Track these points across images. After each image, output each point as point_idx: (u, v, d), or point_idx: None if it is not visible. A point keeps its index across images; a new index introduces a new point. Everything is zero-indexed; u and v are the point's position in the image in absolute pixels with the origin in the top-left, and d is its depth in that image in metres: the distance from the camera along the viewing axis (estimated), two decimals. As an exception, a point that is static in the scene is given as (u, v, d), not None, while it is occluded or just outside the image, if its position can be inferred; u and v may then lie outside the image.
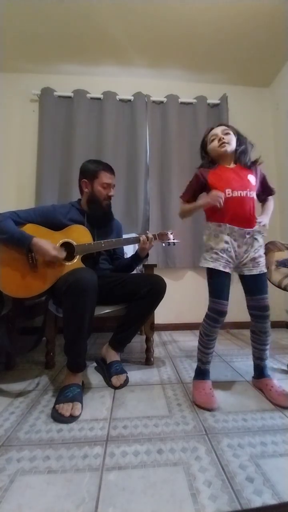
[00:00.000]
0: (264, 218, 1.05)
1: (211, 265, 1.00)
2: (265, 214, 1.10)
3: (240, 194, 0.99)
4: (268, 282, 1.40)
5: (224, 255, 0.99)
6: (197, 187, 1.11)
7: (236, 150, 1.07)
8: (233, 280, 1.04)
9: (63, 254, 1.09)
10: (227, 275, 1.00)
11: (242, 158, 1.07)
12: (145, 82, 2.28)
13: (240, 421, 0.84)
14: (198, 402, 0.94)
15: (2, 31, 1.86)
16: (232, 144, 1.06)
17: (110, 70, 2.24)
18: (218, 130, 1.07)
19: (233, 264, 1.02)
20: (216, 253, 1.00)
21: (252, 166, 1.08)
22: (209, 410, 0.90)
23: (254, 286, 1.02)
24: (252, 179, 1.04)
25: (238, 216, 0.99)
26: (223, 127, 1.08)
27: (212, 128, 1.11)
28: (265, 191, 1.13)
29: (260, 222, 1.01)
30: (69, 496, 0.57)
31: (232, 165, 1.07)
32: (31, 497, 0.57)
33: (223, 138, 1.04)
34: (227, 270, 1.00)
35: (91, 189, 1.26)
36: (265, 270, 1.02)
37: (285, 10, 1.74)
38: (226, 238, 1.00)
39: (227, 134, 1.06)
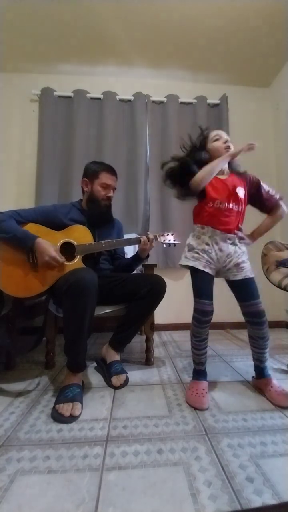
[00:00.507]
0: (250, 238, 1.08)
1: (191, 263, 1.03)
2: (257, 229, 1.11)
3: (226, 206, 1.03)
4: (268, 282, 1.41)
5: (205, 255, 1.02)
6: None
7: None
8: (221, 280, 1.07)
9: (62, 259, 1.09)
10: (209, 275, 1.02)
11: (234, 165, 1.10)
12: (145, 82, 2.28)
13: (240, 421, 0.84)
14: (189, 401, 0.95)
15: (2, 31, 1.86)
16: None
17: (110, 70, 2.24)
18: (222, 133, 1.09)
19: (214, 266, 1.03)
20: (197, 253, 1.03)
21: (242, 175, 1.10)
22: (199, 409, 0.90)
23: (243, 291, 1.03)
24: (241, 192, 1.05)
25: (221, 222, 1.03)
26: (225, 133, 1.10)
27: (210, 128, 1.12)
28: (267, 199, 1.09)
29: (241, 237, 1.05)
30: (69, 496, 0.57)
31: (225, 176, 1.08)
32: (31, 497, 0.57)
33: (228, 141, 1.06)
34: (207, 270, 1.02)
35: (91, 188, 1.27)
36: (251, 275, 1.03)
37: (285, 10, 1.74)
38: (207, 240, 1.03)
39: (229, 141, 1.08)
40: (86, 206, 1.30)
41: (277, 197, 1.10)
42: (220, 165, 1.01)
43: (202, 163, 1.06)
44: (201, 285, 1.02)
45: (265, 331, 1.01)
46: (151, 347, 1.35)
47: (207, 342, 1.03)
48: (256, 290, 1.02)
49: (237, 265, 1.03)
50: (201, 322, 0.99)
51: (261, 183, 1.11)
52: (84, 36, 1.92)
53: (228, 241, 1.03)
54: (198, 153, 1.09)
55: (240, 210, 1.06)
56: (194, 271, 1.03)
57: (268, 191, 1.10)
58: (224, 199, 1.03)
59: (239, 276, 1.02)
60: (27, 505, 0.54)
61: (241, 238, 1.06)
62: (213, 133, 1.10)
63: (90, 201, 1.28)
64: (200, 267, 1.01)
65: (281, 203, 1.10)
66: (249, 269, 1.04)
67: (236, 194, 1.04)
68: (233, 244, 1.04)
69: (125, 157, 2.18)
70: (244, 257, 1.05)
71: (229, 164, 1.09)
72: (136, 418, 0.86)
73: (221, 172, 1.08)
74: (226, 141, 1.06)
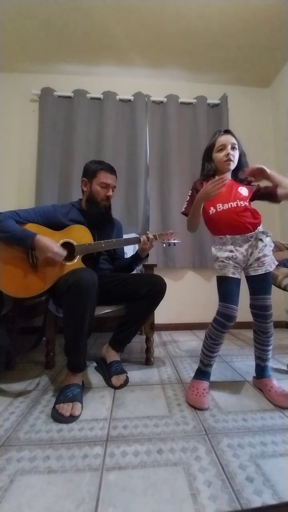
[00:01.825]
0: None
1: (220, 273, 1.03)
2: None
3: (230, 205, 1.02)
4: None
5: (231, 262, 1.01)
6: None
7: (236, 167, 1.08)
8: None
9: (64, 253, 1.08)
10: (235, 280, 1.01)
11: (238, 175, 1.08)
12: (145, 82, 2.28)
13: (240, 421, 0.84)
14: (189, 401, 0.95)
15: (2, 31, 1.86)
16: (235, 161, 1.07)
17: (110, 70, 2.24)
18: (228, 141, 1.05)
19: (241, 268, 1.04)
20: (222, 261, 1.02)
21: (244, 181, 1.09)
22: (199, 409, 0.90)
23: (257, 286, 1.02)
24: (243, 191, 1.05)
25: (233, 225, 1.01)
26: (232, 139, 1.06)
27: (221, 132, 1.09)
28: (268, 191, 1.07)
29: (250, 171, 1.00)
30: (69, 496, 0.57)
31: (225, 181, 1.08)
32: (31, 497, 0.57)
33: (230, 154, 1.04)
34: (236, 275, 1.01)
35: (90, 188, 1.27)
36: (270, 269, 1.02)
37: (285, 10, 1.74)
38: (230, 247, 1.02)
39: (234, 149, 1.06)
40: (85, 207, 1.30)
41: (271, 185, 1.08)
42: (198, 207, 1.05)
43: (209, 176, 1.09)
44: (227, 290, 1.01)
45: (269, 325, 1.02)
46: (151, 347, 1.35)
47: (220, 346, 1.03)
48: (270, 286, 1.03)
49: (258, 259, 1.01)
50: (224, 327, 0.98)
51: (259, 185, 1.10)
52: (84, 36, 1.92)
53: (251, 239, 1.01)
54: (206, 164, 1.11)
55: (248, 204, 1.04)
56: (222, 278, 1.02)
57: (266, 186, 1.09)
58: (225, 200, 1.03)
59: (260, 271, 1.01)
60: (27, 505, 0.54)
61: (262, 233, 1.02)
62: (219, 142, 1.07)
63: (89, 202, 1.28)
64: (230, 274, 1.00)
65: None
66: (269, 262, 1.02)
67: (238, 193, 1.04)
68: (256, 239, 1.02)
69: (125, 157, 2.18)
70: (265, 250, 1.02)
71: (234, 174, 1.08)
72: (136, 418, 0.86)
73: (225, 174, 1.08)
74: (227, 154, 1.04)
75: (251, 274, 1.02)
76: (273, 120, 2.40)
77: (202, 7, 1.73)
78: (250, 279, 1.04)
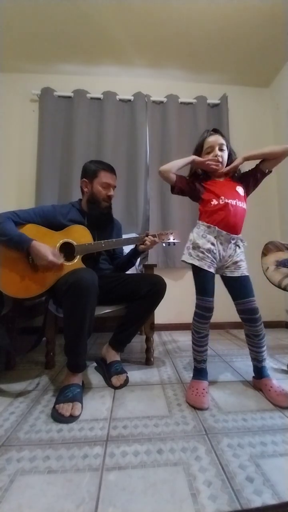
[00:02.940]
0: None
1: (197, 263, 1.04)
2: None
3: (232, 202, 1.04)
4: (268, 282, 1.41)
5: (209, 255, 1.04)
6: (190, 183, 1.14)
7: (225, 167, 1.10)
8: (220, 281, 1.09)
9: (61, 260, 1.08)
10: (212, 274, 1.04)
11: (231, 174, 1.11)
12: (145, 82, 2.28)
13: (240, 421, 0.84)
14: (189, 400, 0.95)
15: (2, 31, 1.86)
16: (224, 162, 1.09)
17: (110, 70, 2.24)
18: (215, 142, 1.07)
19: (216, 265, 1.06)
20: (203, 253, 1.04)
21: (238, 178, 1.12)
22: (200, 409, 0.91)
23: (238, 289, 1.05)
24: (240, 190, 1.08)
25: (228, 222, 1.03)
26: (220, 140, 1.08)
27: (209, 132, 1.11)
28: (257, 169, 1.09)
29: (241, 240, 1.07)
30: (69, 496, 0.57)
31: (222, 179, 1.11)
32: (31, 497, 0.57)
33: (218, 156, 1.06)
34: (211, 270, 1.04)
35: (91, 189, 1.27)
36: (246, 273, 1.05)
37: (285, 10, 1.74)
38: (213, 240, 1.04)
39: (222, 150, 1.08)
40: (86, 207, 1.30)
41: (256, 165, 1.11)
42: (183, 163, 1.11)
43: (196, 175, 1.14)
44: (205, 284, 1.04)
45: (259, 328, 1.02)
46: (151, 347, 1.35)
47: (208, 339, 1.05)
48: (251, 289, 1.04)
49: (235, 263, 1.05)
50: (205, 318, 1.02)
51: (247, 174, 1.13)
52: (84, 36, 1.92)
53: (232, 241, 1.04)
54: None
55: (244, 208, 1.07)
56: (198, 270, 1.04)
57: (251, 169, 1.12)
58: (229, 196, 1.04)
59: (236, 274, 1.04)
60: (27, 505, 0.54)
61: (241, 240, 1.08)
62: (207, 143, 1.09)
63: (90, 202, 1.28)
64: (205, 267, 1.03)
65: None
66: (245, 267, 1.06)
67: (237, 192, 1.06)
68: (235, 244, 1.06)
69: (125, 157, 2.18)
70: (242, 256, 1.07)
71: (227, 174, 1.11)
72: (136, 418, 0.86)
73: (219, 175, 1.11)
74: (215, 156, 1.06)
75: (227, 275, 1.05)
76: (273, 120, 2.40)
77: (202, 7, 1.73)
78: (228, 283, 1.07)
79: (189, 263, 1.06)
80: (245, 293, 1.03)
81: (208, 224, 1.05)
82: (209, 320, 1.03)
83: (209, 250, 1.03)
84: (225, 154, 1.09)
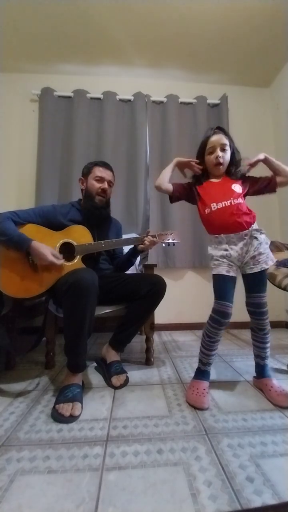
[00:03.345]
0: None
1: (215, 271, 1.04)
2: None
3: (224, 204, 1.02)
4: (268, 282, 1.41)
5: (225, 260, 1.02)
6: (187, 188, 1.14)
7: (228, 166, 1.09)
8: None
9: (60, 260, 1.08)
10: (230, 278, 1.02)
11: (233, 171, 1.09)
12: (145, 82, 2.28)
13: (240, 421, 0.84)
14: (189, 400, 0.95)
15: (2, 31, 1.86)
16: (225, 163, 1.07)
17: (110, 70, 2.24)
18: (217, 142, 1.06)
19: (236, 266, 1.04)
20: (217, 260, 1.03)
21: (240, 178, 1.09)
22: (200, 409, 0.90)
23: (252, 284, 1.03)
24: (236, 188, 1.06)
25: (227, 224, 1.02)
26: (222, 140, 1.06)
27: (213, 130, 1.09)
28: (265, 184, 1.07)
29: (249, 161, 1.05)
30: (69, 496, 0.57)
31: (219, 179, 1.10)
32: (31, 497, 0.57)
33: (219, 157, 1.05)
34: (230, 273, 1.02)
35: (86, 184, 1.29)
36: (266, 266, 1.01)
37: (285, 10, 1.74)
38: (225, 246, 1.03)
39: (224, 150, 1.06)
40: (83, 205, 1.31)
41: (269, 176, 1.09)
42: (170, 169, 1.14)
43: (199, 177, 1.13)
44: (222, 287, 1.02)
45: (265, 322, 1.02)
46: (151, 347, 1.35)
47: (218, 344, 1.03)
48: (265, 284, 1.03)
49: (253, 257, 1.01)
50: (220, 324, 0.99)
51: (254, 180, 1.10)
52: (84, 36, 1.92)
53: (245, 237, 1.02)
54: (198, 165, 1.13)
55: (241, 202, 1.04)
56: (217, 276, 1.03)
57: (260, 177, 1.10)
58: (219, 199, 1.03)
59: (255, 269, 1.01)
60: (27, 505, 0.54)
61: (256, 230, 1.03)
62: (210, 143, 1.07)
63: (85, 197, 1.30)
64: (224, 272, 1.01)
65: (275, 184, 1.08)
66: (264, 260, 1.01)
67: (232, 191, 1.04)
68: (251, 237, 1.02)
69: (125, 157, 2.18)
70: (261, 249, 1.02)
71: (228, 171, 1.09)
72: (136, 418, 0.86)
73: (218, 176, 1.10)
74: (217, 157, 1.05)
75: (247, 272, 1.03)
76: (273, 120, 2.40)
77: (202, 7, 1.73)
78: (246, 277, 1.05)
79: (215, 275, 1.04)
80: (258, 289, 1.02)
81: (215, 236, 1.06)
82: (223, 327, 0.99)
83: (222, 256, 1.02)
84: (227, 155, 1.07)
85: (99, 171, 1.28)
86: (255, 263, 1.01)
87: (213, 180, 1.11)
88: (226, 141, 1.06)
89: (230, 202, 1.02)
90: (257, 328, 1.04)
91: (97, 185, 1.27)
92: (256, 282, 1.02)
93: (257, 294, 1.02)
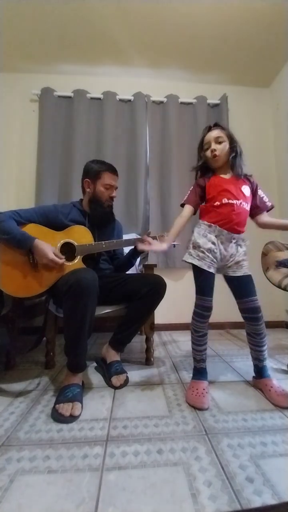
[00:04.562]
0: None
1: (197, 262, 1.04)
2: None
3: (235, 202, 1.03)
4: (269, 282, 1.41)
5: (210, 255, 1.03)
6: (200, 192, 1.12)
7: (228, 157, 1.08)
8: (221, 280, 1.09)
9: (61, 260, 1.08)
10: (211, 274, 1.04)
11: (234, 166, 1.08)
12: (145, 82, 2.28)
13: (240, 421, 0.84)
14: (189, 401, 0.95)
15: (2, 31, 1.86)
16: (222, 154, 1.06)
17: (110, 70, 2.24)
18: (212, 137, 1.06)
19: (217, 265, 1.05)
20: (203, 252, 1.04)
21: (245, 177, 1.09)
22: (200, 409, 0.90)
23: (240, 288, 1.05)
24: (246, 190, 1.06)
25: (230, 221, 1.03)
26: (216, 133, 1.06)
27: (209, 128, 1.10)
28: (259, 204, 1.10)
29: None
30: (69, 496, 0.57)
31: (228, 175, 1.09)
32: (31, 497, 0.57)
33: (214, 150, 1.05)
34: (211, 270, 1.03)
35: (93, 189, 1.26)
36: (249, 273, 1.05)
37: (285, 10, 1.74)
38: (214, 239, 1.04)
39: (219, 142, 1.06)
40: (87, 207, 1.30)
41: (269, 204, 1.12)
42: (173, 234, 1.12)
43: (204, 169, 1.13)
44: (205, 283, 1.04)
45: (261, 327, 1.02)
46: (151, 347, 1.35)
47: (207, 338, 1.05)
48: (254, 288, 1.04)
49: (238, 262, 1.05)
50: (204, 317, 1.03)
51: (258, 187, 1.11)
52: (84, 36, 1.92)
53: (233, 241, 1.04)
54: (198, 159, 1.14)
55: (248, 208, 1.06)
56: (198, 269, 1.04)
57: (263, 197, 1.11)
58: (232, 197, 1.03)
59: (239, 273, 1.04)
60: (27, 505, 0.54)
61: (242, 240, 1.07)
62: (205, 140, 1.08)
63: (92, 202, 1.27)
64: (205, 267, 1.02)
65: (268, 211, 1.12)
66: (247, 266, 1.06)
67: (242, 192, 1.05)
68: (237, 244, 1.05)
69: (125, 157, 2.18)
70: (244, 256, 1.06)
71: (232, 167, 1.08)
72: (136, 418, 0.86)
73: (224, 171, 1.10)
74: (212, 151, 1.05)
75: (230, 275, 1.05)
76: (273, 120, 2.39)
77: (202, 7, 1.72)
78: (231, 281, 1.06)
79: (189, 263, 1.06)
80: (247, 292, 1.03)
81: (209, 223, 1.05)
82: (207, 319, 1.04)
83: (209, 250, 1.03)
84: (223, 146, 1.05)
85: (109, 179, 1.26)
86: (239, 267, 1.05)
87: (223, 176, 1.09)
88: (220, 134, 1.06)
89: (241, 203, 1.03)
90: (253, 333, 1.04)
91: (107, 193, 1.26)
92: (245, 286, 1.04)
93: (249, 299, 1.02)
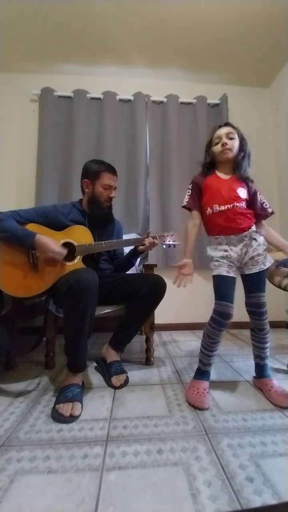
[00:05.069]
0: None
1: (215, 272, 1.04)
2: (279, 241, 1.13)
3: (227, 207, 1.03)
4: (268, 282, 1.40)
5: (225, 261, 1.03)
6: (198, 193, 1.13)
7: (237, 156, 1.08)
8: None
9: (65, 252, 1.08)
10: (230, 278, 1.02)
11: (240, 166, 1.08)
12: (145, 82, 2.28)
13: (240, 421, 0.84)
14: (189, 400, 0.95)
15: (2, 31, 1.86)
16: (234, 150, 1.06)
17: (110, 70, 2.24)
18: (223, 132, 1.07)
19: (236, 267, 1.05)
20: (217, 261, 1.04)
21: (246, 179, 1.09)
22: (200, 409, 0.90)
23: (252, 284, 1.04)
24: (242, 193, 1.06)
25: (228, 227, 1.03)
26: (228, 129, 1.07)
27: (219, 126, 1.10)
28: (260, 211, 1.11)
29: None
30: (69, 496, 0.57)
31: (227, 176, 1.09)
32: (31, 497, 0.57)
33: (226, 143, 1.05)
34: (230, 274, 1.02)
35: (92, 189, 1.26)
36: (264, 267, 1.03)
37: (285, 10, 1.74)
38: (225, 247, 1.04)
39: (231, 138, 1.06)
40: (87, 207, 1.30)
41: (270, 211, 1.12)
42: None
43: (209, 168, 1.13)
44: (223, 288, 1.02)
45: (264, 322, 1.02)
46: (151, 347, 1.35)
47: (218, 345, 1.03)
48: (263, 285, 1.04)
49: (252, 258, 1.03)
50: (221, 325, 0.98)
51: (258, 193, 1.11)
52: (84, 36, 1.92)
53: (245, 239, 1.03)
54: (206, 156, 1.14)
55: (245, 207, 1.06)
56: (217, 277, 1.03)
57: (263, 202, 1.12)
58: (223, 202, 1.03)
59: (254, 270, 1.02)
60: (27, 505, 0.54)
61: (255, 232, 1.06)
62: (215, 135, 1.09)
63: (91, 202, 1.27)
64: (224, 273, 1.02)
65: (267, 218, 1.13)
66: (263, 261, 1.03)
67: (236, 194, 1.05)
68: (250, 239, 1.03)
69: (125, 157, 2.18)
70: (259, 249, 1.03)
71: (237, 167, 1.08)
72: (136, 418, 0.86)
73: (225, 171, 1.10)
74: (223, 144, 1.05)
75: (246, 273, 1.04)
76: (273, 120, 2.40)
77: (202, 7, 1.72)
78: (245, 278, 1.05)
79: (215, 275, 1.05)
80: (256, 288, 1.03)
81: (215, 236, 1.06)
82: (225, 327, 0.99)
83: (222, 257, 1.03)
84: (235, 142, 1.06)
85: (108, 179, 1.25)
86: (254, 263, 1.02)
87: (222, 176, 1.09)
88: (232, 130, 1.07)
89: (233, 206, 1.03)
90: (256, 328, 1.04)
91: (106, 193, 1.26)
92: (255, 282, 1.03)
93: (256, 294, 1.02)
